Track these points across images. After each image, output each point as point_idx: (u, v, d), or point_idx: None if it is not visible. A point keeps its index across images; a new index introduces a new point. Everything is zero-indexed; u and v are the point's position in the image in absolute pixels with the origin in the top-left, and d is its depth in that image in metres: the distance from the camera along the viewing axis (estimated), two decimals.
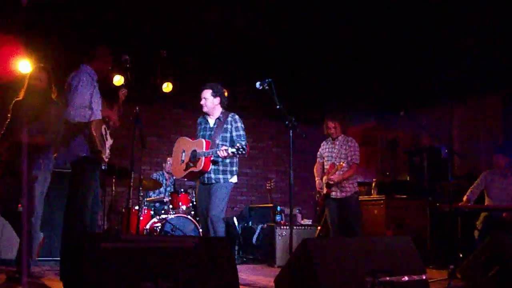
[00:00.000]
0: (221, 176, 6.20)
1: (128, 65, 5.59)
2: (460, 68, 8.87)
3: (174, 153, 6.48)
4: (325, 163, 7.57)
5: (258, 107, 10.93)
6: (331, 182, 7.27)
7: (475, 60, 8.47)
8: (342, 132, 7.50)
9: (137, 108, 5.43)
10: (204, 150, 6.05)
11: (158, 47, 8.51)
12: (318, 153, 7.75)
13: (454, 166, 10.01)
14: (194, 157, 6.11)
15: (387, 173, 10.91)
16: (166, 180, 9.52)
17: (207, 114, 6.36)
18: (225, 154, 5.89)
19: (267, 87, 5.78)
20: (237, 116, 6.42)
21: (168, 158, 9.55)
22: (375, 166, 12.38)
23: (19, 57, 8.33)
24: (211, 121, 6.37)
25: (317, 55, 8.82)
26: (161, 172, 9.69)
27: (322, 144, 7.73)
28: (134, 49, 8.17)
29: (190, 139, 6.34)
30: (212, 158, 6.05)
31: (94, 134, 5.37)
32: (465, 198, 7.53)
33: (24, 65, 8.39)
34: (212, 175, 6.15)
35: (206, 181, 6.17)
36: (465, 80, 9.47)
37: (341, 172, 7.24)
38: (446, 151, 6.90)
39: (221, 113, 6.38)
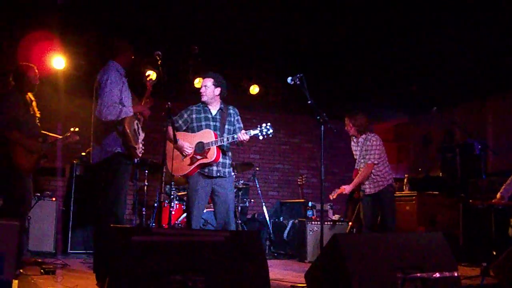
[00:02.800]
0: (228, 170, 6.14)
1: (160, 61, 5.61)
2: (493, 63, 8.75)
3: (170, 152, 5.89)
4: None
5: (290, 103, 10.92)
6: (345, 192, 7.30)
7: (509, 55, 8.35)
8: (358, 131, 7.34)
9: (169, 104, 5.45)
10: (213, 139, 5.92)
11: (190, 43, 8.54)
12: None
13: (488, 163, 9.88)
14: (202, 149, 5.94)
15: (420, 169, 10.81)
16: None
17: (206, 103, 6.20)
18: (246, 137, 5.83)
19: (298, 82, 5.77)
20: (236, 109, 6.38)
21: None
22: (407, 162, 12.29)
23: (54, 54, 8.46)
24: (213, 111, 6.19)
25: (350, 51, 8.78)
26: None
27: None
28: (166, 45, 8.25)
29: (188, 133, 6.11)
30: (226, 144, 5.95)
31: (128, 130, 5.44)
32: (498, 195, 7.41)
33: (58, 62, 8.51)
34: (221, 168, 6.02)
35: (214, 174, 6.00)
36: (499, 75, 9.35)
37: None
38: (480, 147, 6.80)
39: (222, 104, 6.26)
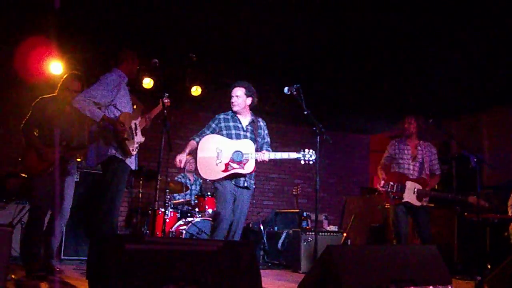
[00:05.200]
0: (253, 182, 6.18)
1: (157, 68, 5.63)
2: (489, 77, 8.78)
3: (204, 152, 6.06)
4: (398, 166, 7.13)
5: (285, 113, 10.93)
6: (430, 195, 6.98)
7: (504, 69, 8.37)
8: (418, 134, 7.15)
9: (165, 111, 5.47)
10: (253, 152, 5.94)
11: (188, 51, 8.55)
12: (389, 154, 7.25)
13: (483, 176, 9.89)
14: (240, 158, 5.92)
15: None
16: (189, 181, 9.51)
17: (236, 113, 6.24)
18: (286, 157, 5.96)
19: (295, 93, 5.78)
20: (265, 122, 6.45)
21: (188, 157, 9.48)
22: None
23: (51, 59, 8.45)
24: (244, 121, 6.22)
25: (348, 63, 8.78)
26: (182, 174, 9.67)
27: (393, 144, 7.27)
28: (163, 53, 8.26)
29: (227, 138, 6.08)
30: (264, 159, 5.92)
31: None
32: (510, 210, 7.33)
33: (55, 67, 8.50)
34: (248, 179, 6.05)
35: (241, 184, 6.03)
36: (495, 89, 9.38)
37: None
38: (475, 160, 6.77)
39: (252, 114, 6.30)
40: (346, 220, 10.32)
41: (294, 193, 9.72)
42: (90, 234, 5.83)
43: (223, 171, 5.92)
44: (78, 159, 8.10)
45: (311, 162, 6.00)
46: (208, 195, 8.62)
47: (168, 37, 8.08)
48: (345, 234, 8.51)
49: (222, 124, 6.18)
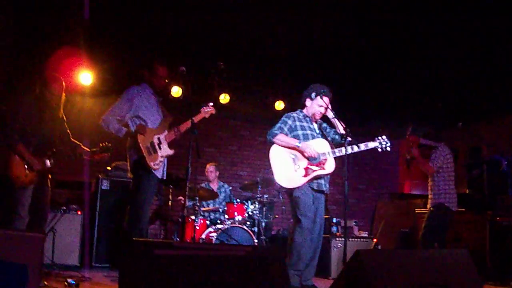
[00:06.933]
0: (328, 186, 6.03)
1: (185, 76, 5.71)
2: None
3: (278, 160, 5.80)
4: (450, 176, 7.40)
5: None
6: None
7: None
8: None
9: (193, 118, 5.53)
10: (329, 149, 5.78)
11: (216, 59, 8.61)
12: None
13: None
14: (318, 159, 5.73)
15: None
16: (213, 189, 9.46)
17: (306, 115, 6.09)
18: (364, 148, 5.83)
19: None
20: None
21: (208, 166, 9.51)
22: None
23: (81, 69, 8.57)
24: (315, 125, 6.11)
25: (374, 67, 8.75)
26: (206, 183, 9.67)
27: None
28: (191, 61, 8.32)
29: (297, 141, 5.78)
30: (345, 154, 5.56)
31: (139, 141, 5.67)
32: None
33: (85, 77, 8.63)
34: (327, 183, 5.92)
35: (324, 189, 5.89)
36: None
37: None
38: (506, 163, 6.71)
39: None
40: (376, 226, 10.26)
41: None
42: (121, 241, 5.89)
43: (304, 176, 5.72)
44: (108, 168, 8.22)
45: (388, 149, 5.90)
46: (237, 201, 8.63)
47: (196, 45, 8.15)
48: (375, 240, 8.46)
49: (297, 123, 5.96)
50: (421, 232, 7.16)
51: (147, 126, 5.84)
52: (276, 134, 5.80)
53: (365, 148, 5.88)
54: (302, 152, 5.75)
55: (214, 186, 9.50)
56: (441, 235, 7.13)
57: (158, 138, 5.82)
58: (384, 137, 5.93)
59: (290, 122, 5.93)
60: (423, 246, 6.99)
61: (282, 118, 5.98)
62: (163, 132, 5.92)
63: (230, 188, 9.68)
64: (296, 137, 5.86)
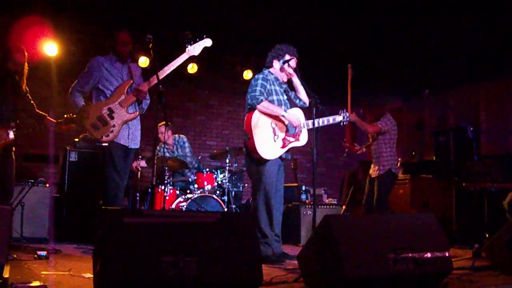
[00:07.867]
0: None
1: (151, 45, 5.59)
2: (486, 47, 8.75)
3: (260, 129, 5.56)
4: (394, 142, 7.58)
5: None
6: None
7: (501, 39, 8.34)
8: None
9: (160, 87, 5.43)
10: (304, 121, 5.71)
11: (183, 28, 8.51)
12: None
13: (480, 146, 9.91)
14: (294, 131, 5.69)
15: (413, 153, 10.83)
16: (171, 151, 9.06)
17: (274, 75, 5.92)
18: (331, 122, 5.85)
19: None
20: None
21: (158, 127, 8.61)
22: (401, 146, 12.30)
23: (46, 40, 8.42)
24: (284, 86, 5.96)
25: (344, 36, 8.75)
26: (163, 145, 8.98)
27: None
28: (158, 30, 8.21)
29: (282, 109, 5.65)
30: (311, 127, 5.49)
31: (83, 123, 5.71)
32: None
33: (50, 48, 8.48)
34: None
35: (287, 157, 5.87)
36: (493, 60, 9.35)
37: None
38: (472, 130, 6.81)
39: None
40: (345, 193, 10.36)
41: (292, 167, 9.71)
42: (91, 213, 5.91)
43: (282, 147, 5.67)
44: (76, 139, 8.11)
45: (346, 122, 5.92)
46: (207, 171, 8.59)
47: (164, 14, 8.05)
48: (344, 207, 8.55)
49: (272, 87, 5.77)
50: (374, 200, 7.25)
51: (107, 97, 5.82)
52: (261, 101, 5.53)
53: (333, 122, 5.92)
54: (288, 122, 5.68)
55: (170, 145, 9.12)
56: (387, 200, 7.32)
57: (109, 108, 5.74)
58: (345, 110, 5.97)
59: (268, 86, 5.73)
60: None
61: (259, 81, 5.73)
62: (119, 98, 5.82)
63: (187, 139, 9.31)
64: (271, 102, 5.67)
